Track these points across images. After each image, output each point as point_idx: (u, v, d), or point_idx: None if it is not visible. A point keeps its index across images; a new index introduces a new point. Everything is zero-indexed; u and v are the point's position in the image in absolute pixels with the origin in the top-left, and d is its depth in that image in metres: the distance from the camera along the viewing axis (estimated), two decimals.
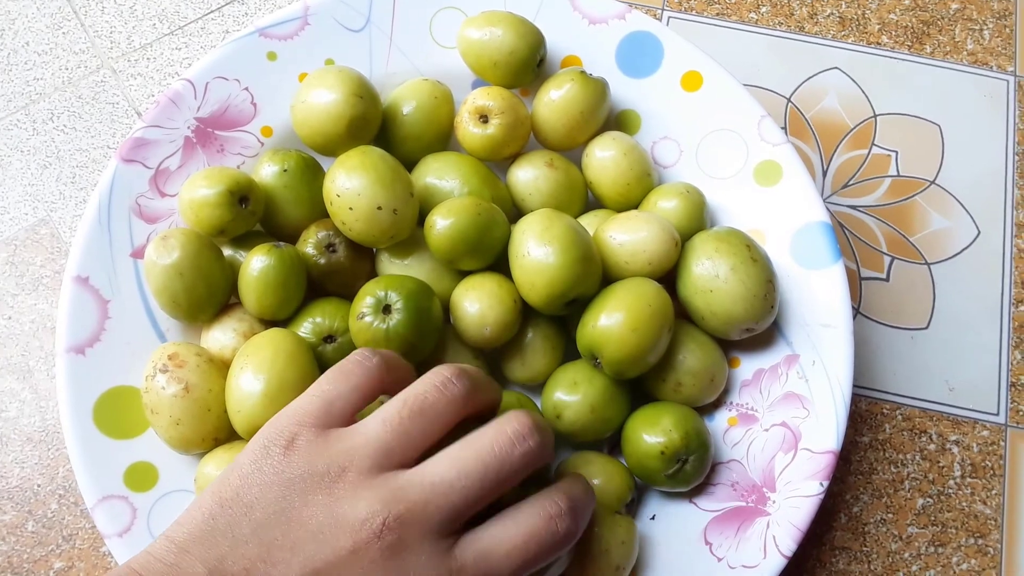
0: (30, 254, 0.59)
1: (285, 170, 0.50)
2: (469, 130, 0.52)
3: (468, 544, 0.37)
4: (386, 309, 0.45)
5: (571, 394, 0.48)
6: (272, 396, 0.44)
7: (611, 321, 0.46)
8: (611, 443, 0.52)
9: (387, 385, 0.41)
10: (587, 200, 0.55)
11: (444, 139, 0.54)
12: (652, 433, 0.47)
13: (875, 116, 0.63)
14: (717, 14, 0.65)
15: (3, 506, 0.54)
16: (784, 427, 0.49)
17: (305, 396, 0.40)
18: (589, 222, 0.52)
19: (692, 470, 0.47)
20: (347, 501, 0.36)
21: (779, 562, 0.46)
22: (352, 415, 0.39)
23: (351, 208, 0.47)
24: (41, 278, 0.58)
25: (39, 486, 0.54)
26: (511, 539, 0.37)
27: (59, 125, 0.61)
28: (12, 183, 0.60)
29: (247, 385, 0.45)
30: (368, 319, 0.45)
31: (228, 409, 0.46)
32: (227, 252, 0.51)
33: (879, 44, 0.65)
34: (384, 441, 0.37)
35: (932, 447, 0.55)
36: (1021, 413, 0.56)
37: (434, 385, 0.39)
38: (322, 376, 0.40)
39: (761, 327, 0.49)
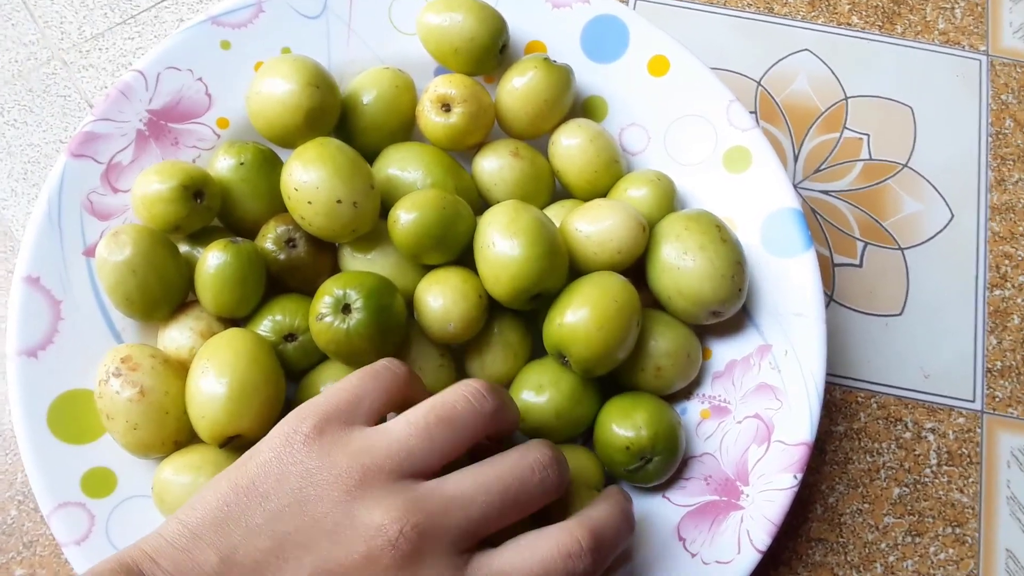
0: None
1: (242, 163, 0.49)
2: (431, 119, 0.51)
3: (480, 565, 0.36)
4: (345, 308, 0.44)
5: (537, 395, 0.47)
6: (236, 400, 0.43)
7: (577, 318, 0.45)
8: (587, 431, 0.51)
9: (408, 398, 0.40)
10: (554, 189, 0.54)
11: (406, 129, 0.53)
12: (622, 426, 0.46)
13: (846, 99, 0.62)
14: None
15: None
16: (757, 419, 0.48)
17: (333, 390, 0.39)
18: (555, 212, 0.51)
19: (654, 470, 0.46)
20: (364, 504, 0.35)
21: (753, 557, 0.45)
22: (378, 416, 0.39)
23: (310, 202, 0.45)
24: None
25: None
26: (524, 570, 0.36)
27: (9, 119, 0.59)
28: None
29: (209, 389, 0.43)
30: (328, 319, 0.44)
31: (191, 415, 0.44)
32: (184, 248, 0.49)
33: (849, 24, 0.64)
34: (407, 444, 0.37)
35: (908, 435, 0.55)
36: (997, 399, 0.55)
37: (464, 396, 0.38)
38: (350, 374, 0.40)
39: (728, 311, 0.48)
